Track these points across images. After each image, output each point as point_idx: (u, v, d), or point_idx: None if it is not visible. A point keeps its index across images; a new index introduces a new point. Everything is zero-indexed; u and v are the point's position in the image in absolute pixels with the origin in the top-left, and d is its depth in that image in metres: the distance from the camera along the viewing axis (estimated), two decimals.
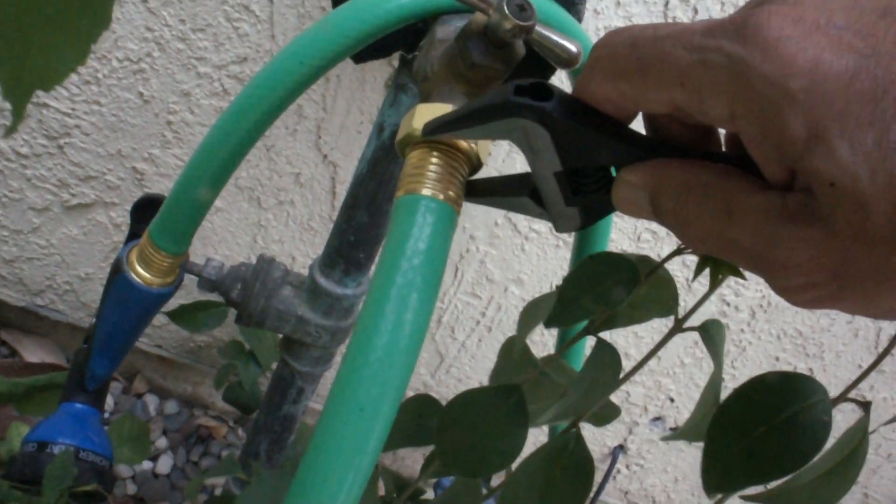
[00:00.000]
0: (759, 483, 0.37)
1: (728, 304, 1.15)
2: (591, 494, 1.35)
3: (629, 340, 1.20)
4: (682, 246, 0.39)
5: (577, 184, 0.34)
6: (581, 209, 0.35)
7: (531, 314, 0.42)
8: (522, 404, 0.42)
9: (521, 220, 1.04)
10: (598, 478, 1.42)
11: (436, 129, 0.36)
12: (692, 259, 1.08)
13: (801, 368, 1.23)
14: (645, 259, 0.39)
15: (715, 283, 0.39)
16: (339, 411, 0.34)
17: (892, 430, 1.35)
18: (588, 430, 1.34)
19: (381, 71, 0.92)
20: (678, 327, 0.44)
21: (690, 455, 1.40)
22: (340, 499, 0.34)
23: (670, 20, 0.87)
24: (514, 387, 0.42)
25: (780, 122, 0.23)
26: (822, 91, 0.22)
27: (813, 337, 1.20)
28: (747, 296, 1.14)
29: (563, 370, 0.47)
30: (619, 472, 1.43)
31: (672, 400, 1.30)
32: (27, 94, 0.25)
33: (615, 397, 1.27)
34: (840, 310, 0.26)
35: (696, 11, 0.86)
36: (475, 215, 1.05)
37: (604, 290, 0.40)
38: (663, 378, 1.26)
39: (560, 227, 0.37)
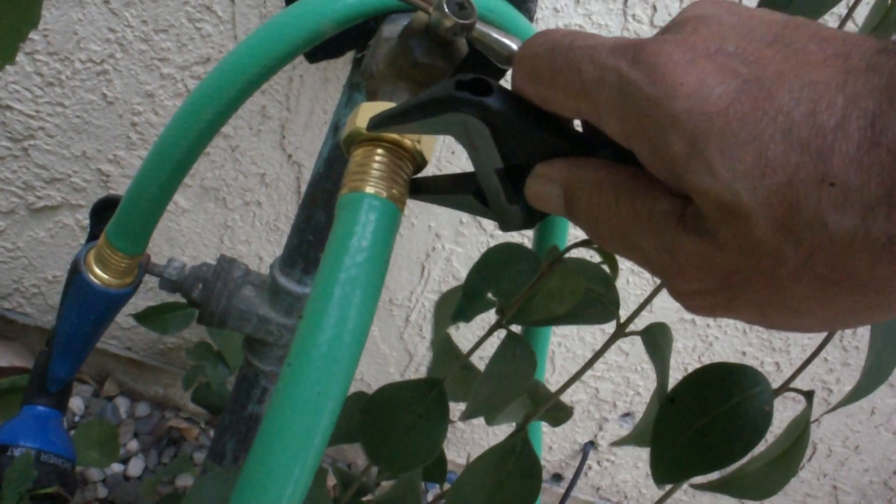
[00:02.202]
0: (704, 472, 0.38)
1: None
2: (563, 491, 1.36)
3: (597, 338, 1.21)
4: (585, 239, 0.39)
5: (518, 181, 0.34)
6: (522, 207, 0.35)
7: (444, 308, 0.42)
8: (442, 399, 0.42)
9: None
10: (569, 474, 1.43)
11: (379, 124, 0.36)
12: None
13: (768, 363, 1.24)
14: (553, 250, 0.39)
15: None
16: (284, 406, 0.35)
17: (859, 422, 1.36)
18: (558, 427, 1.35)
19: (343, 71, 0.92)
20: (620, 332, 0.44)
21: None
22: (287, 492, 0.34)
23: (629, 18, 0.88)
24: (435, 381, 0.42)
25: (664, 142, 0.24)
26: (702, 112, 0.23)
27: (779, 331, 1.21)
28: None
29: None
30: (590, 468, 1.44)
31: (641, 395, 1.31)
32: None
33: (584, 394, 1.28)
34: (736, 318, 0.27)
35: (654, 9, 0.87)
36: (440, 214, 1.05)
37: (504, 282, 0.40)
38: (632, 374, 1.27)
39: (504, 226, 0.37)
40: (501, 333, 0.44)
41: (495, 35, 0.41)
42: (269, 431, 0.35)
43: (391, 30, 0.47)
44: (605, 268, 0.42)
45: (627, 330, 0.43)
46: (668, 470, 0.38)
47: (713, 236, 0.24)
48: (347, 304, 0.35)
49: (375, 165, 0.38)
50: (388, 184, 0.38)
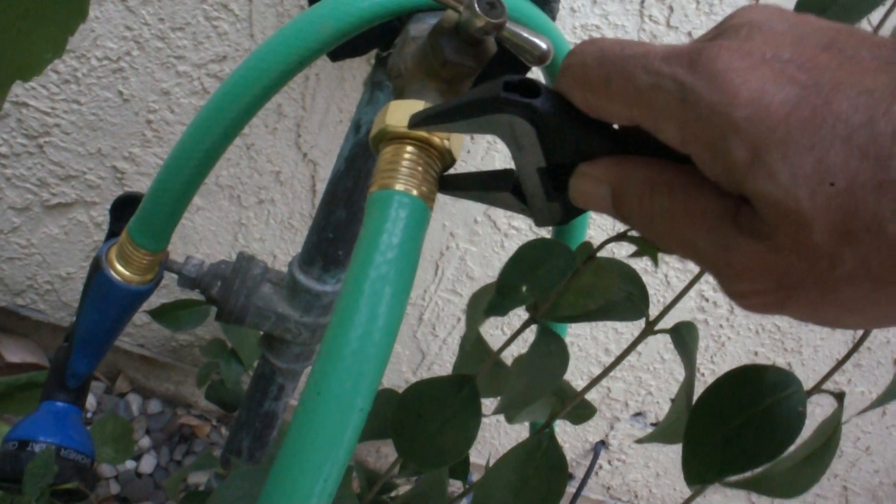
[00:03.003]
0: (737, 473, 0.38)
1: (707, 300, 1.16)
2: (574, 490, 1.36)
3: (609, 336, 1.21)
4: (619, 233, 0.39)
5: (559, 180, 0.34)
6: (562, 204, 0.35)
7: (477, 304, 0.42)
8: (475, 394, 0.42)
9: (501, 216, 1.05)
10: (580, 473, 1.43)
11: (422, 122, 0.36)
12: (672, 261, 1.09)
13: (780, 363, 1.24)
14: (585, 246, 0.39)
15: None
16: (314, 403, 0.35)
17: (871, 423, 1.36)
18: (570, 427, 1.35)
19: (360, 70, 0.92)
20: (649, 330, 0.44)
21: (672, 450, 1.41)
22: (317, 489, 0.34)
23: (646, 19, 0.88)
24: (467, 377, 0.42)
25: (725, 149, 0.25)
26: (763, 119, 0.24)
27: (791, 332, 1.21)
28: None
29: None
30: (601, 467, 1.44)
31: (652, 395, 1.31)
32: (6, 85, 0.25)
33: (595, 393, 1.28)
34: (787, 315, 0.28)
35: (671, 10, 0.87)
36: (454, 213, 1.05)
37: (539, 277, 0.40)
38: (644, 374, 1.27)
39: (540, 222, 0.37)
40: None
41: (525, 34, 0.41)
42: (300, 427, 0.35)
43: (418, 28, 0.47)
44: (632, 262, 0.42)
45: (657, 328, 0.43)
46: (701, 470, 0.39)
47: (770, 239, 0.25)
48: (378, 301, 0.36)
49: (405, 163, 0.38)
50: (418, 181, 0.38)
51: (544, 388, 0.42)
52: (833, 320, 0.27)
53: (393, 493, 0.56)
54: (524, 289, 0.40)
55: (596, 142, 0.32)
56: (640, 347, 1.24)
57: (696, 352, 0.44)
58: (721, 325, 1.20)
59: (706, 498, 1.49)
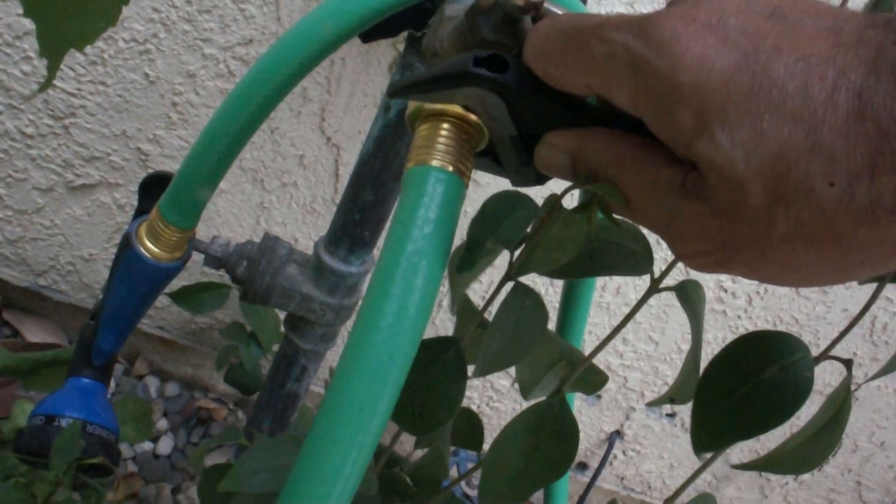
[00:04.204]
0: (745, 438, 0.38)
1: (725, 291, 1.16)
2: (588, 480, 1.36)
3: (627, 325, 1.21)
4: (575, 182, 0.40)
5: (531, 146, 0.36)
6: (534, 167, 0.37)
7: (455, 267, 0.42)
8: (460, 356, 0.42)
9: None
10: (594, 463, 1.43)
11: (399, 91, 0.38)
12: None
13: None
14: (551, 197, 0.39)
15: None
16: (350, 375, 0.35)
17: (886, 418, 1.36)
18: (585, 416, 1.36)
19: (385, 54, 0.92)
20: (654, 287, 0.45)
21: (686, 441, 1.41)
22: (351, 458, 0.35)
23: None
24: (452, 339, 0.42)
25: (672, 113, 0.26)
26: (706, 85, 0.25)
27: (809, 325, 1.21)
28: (744, 282, 1.15)
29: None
30: (615, 457, 1.44)
31: (669, 385, 1.30)
32: (61, 53, 0.26)
33: (612, 383, 1.28)
34: (732, 274, 0.30)
35: None
36: (476, 199, 1.06)
37: (503, 230, 0.41)
38: (660, 364, 1.27)
39: (516, 183, 0.39)
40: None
41: (561, 14, 0.41)
42: (335, 398, 0.35)
43: (454, 8, 0.47)
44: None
45: (661, 286, 0.44)
46: (709, 437, 0.39)
47: (712, 202, 0.26)
48: (414, 275, 0.36)
49: (441, 140, 0.39)
50: (454, 158, 0.38)
51: (526, 347, 0.42)
52: (774, 278, 0.28)
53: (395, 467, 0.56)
54: (489, 242, 0.41)
55: (563, 113, 0.33)
56: (657, 337, 1.24)
57: (703, 310, 0.44)
58: (739, 317, 1.20)
59: (719, 492, 1.49)
